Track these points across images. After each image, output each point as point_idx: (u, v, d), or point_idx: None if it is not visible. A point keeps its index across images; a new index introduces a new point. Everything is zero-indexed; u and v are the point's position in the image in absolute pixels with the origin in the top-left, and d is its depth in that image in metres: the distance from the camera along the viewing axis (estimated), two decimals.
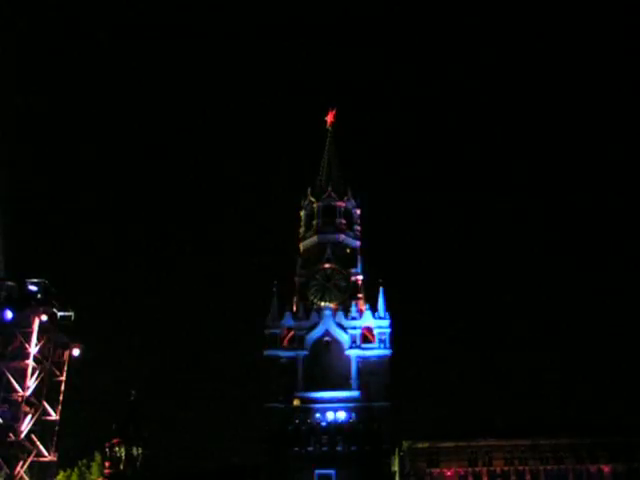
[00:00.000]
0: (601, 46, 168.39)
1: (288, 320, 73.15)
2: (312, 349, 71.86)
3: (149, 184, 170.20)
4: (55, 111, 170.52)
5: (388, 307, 73.36)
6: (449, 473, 64.08)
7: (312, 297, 74.71)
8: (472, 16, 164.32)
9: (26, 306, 64.62)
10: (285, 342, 72.79)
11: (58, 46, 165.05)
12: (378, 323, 72.24)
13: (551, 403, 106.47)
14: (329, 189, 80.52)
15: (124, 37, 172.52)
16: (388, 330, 71.85)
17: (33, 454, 62.90)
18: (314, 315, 73.13)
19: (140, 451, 70.73)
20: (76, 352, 67.12)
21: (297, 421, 66.76)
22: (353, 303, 74.08)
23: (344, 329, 72.06)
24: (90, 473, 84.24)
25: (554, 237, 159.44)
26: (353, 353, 71.11)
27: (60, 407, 65.63)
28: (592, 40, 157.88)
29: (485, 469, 64.07)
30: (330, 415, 67.51)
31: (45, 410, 64.56)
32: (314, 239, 78.64)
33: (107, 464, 71.14)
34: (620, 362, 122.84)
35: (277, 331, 72.63)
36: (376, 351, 71.08)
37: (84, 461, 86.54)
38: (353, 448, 63.88)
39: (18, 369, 63.24)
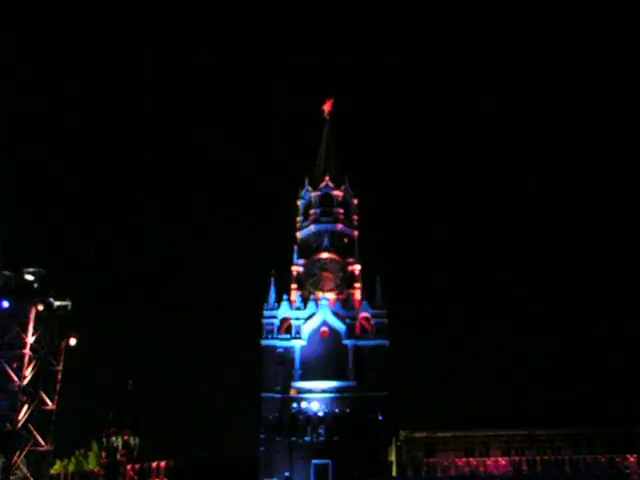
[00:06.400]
0: (601, 46, 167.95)
1: (285, 310, 72.98)
2: (309, 339, 71.76)
3: (147, 172, 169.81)
4: (54, 103, 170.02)
5: (385, 297, 73.29)
6: (446, 463, 64.12)
7: (309, 287, 74.62)
8: (472, 6, 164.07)
9: (23, 295, 64.69)
10: (282, 332, 72.65)
11: (57, 43, 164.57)
12: (375, 313, 72.16)
13: (548, 393, 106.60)
14: (326, 178, 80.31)
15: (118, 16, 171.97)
16: (385, 320, 71.81)
17: (30, 443, 63.01)
18: (311, 305, 73.04)
19: (137, 440, 70.86)
20: (73, 342, 67.18)
21: (294, 411, 66.79)
22: (350, 293, 74.05)
23: (341, 319, 71.96)
24: (87, 462, 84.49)
25: (554, 228, 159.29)
26: (350, 343, 71.07)
27: (57, 397, 65.72)
28: (592, 40, 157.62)
29: (482, 459, 64.15)
30: (327, 405, 67.51)
31: (42, 399, 64.64)
32: (311, 228, 78.51)
33: (104, 453, 71.21)
34: (617, 352, 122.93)
35: (274, 320, 72.47)
36: (373, 341, 71.06)
37: (81, 450, 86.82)
38: (350, 438, 63.87)
39: (15, 359, 63.31)
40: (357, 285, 74.98)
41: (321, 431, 64.18)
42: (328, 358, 70.78)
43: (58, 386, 66.11)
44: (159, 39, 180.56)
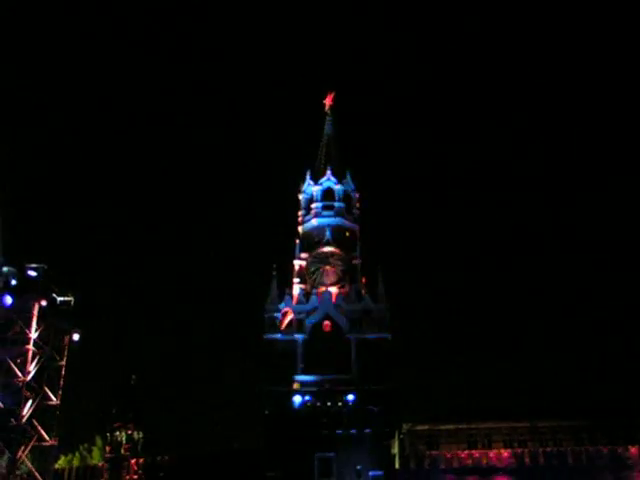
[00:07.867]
0: (601, 46, 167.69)
1: (287, 304, 73.11)
2: (311, 333, 71.84)
3: (148, 166, 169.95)
4: (53, 98, 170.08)
5: (387, 290, 73.43)
6: (448, 455, 64.39)
7: (311, 281, 74.74)
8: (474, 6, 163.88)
9: (26, 291, 64.69)
10: (284, 326, 72.79)
11: (58, 40, 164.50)
12: (377, 306, 72.27)
13: (550, 385, 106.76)
14: (328, 172, 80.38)
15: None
16: (387, 313, 71.91)
17: (34, 439, 63.21)
18: (313, 299, 73.11)
19: (140, 435, 71.12)
20: (76, 337, 67.30)
21: (296, 405, 66.90)
22: (352, 287, 74.16)
23: (343, 313, 72.04)
24: (91, 457, 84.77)
25: (553, 224, 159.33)
26: (352, 337, 71.14)
27: (60, 392, 65.94)
28: (591, 40, 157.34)
29: (484, 451, 64.35)
30: (329, 399, 67.60)
31: (46, 395, 64.84)
32: (313, 222, 78.58)
33: (108, 448, 71.51)
34: (618, 344, 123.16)
35: (276, 315, 72.59)
36: (375, 334, 71.11)
37: (85, 445, 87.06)
38: (352, 431, 64.04)
39: (18, 354, 63.45)
40: (359, 279, 75.09)
41: (324, 425, 64.32)
42: (330, 352, 70.83)
43: (62, 381, 66.26)
44: (155, 32, 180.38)
